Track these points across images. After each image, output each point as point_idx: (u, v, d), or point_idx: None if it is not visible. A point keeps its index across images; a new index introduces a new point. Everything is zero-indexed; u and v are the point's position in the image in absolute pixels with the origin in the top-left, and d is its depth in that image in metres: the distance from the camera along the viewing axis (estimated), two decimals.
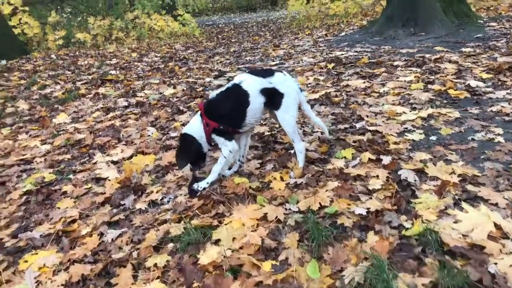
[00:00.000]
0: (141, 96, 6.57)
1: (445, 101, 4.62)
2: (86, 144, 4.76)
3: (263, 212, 2.84)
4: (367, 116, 4.39)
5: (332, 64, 6.73)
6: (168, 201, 3.29)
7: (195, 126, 3.31)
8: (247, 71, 3.78)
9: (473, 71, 5.47)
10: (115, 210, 3.25)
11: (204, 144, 3.32)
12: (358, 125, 4.17)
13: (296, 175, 3.32)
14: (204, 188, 3.29)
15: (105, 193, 3.52)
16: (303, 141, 3.46)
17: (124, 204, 3.31)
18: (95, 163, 4.21)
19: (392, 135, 3.87)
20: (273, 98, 3.27)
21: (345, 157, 3.54)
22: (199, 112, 3.34)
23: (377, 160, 3.38)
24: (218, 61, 9.66)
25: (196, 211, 2.99)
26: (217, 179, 3.37)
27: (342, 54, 7.75)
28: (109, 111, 5.98)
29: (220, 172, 3.38)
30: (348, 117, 4.45)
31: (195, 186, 3.32)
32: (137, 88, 7.23)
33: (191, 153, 3.31)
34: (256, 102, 3.24)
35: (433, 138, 3.75)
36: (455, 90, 4.85)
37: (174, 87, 6.88)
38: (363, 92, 5.23)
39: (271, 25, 19.46)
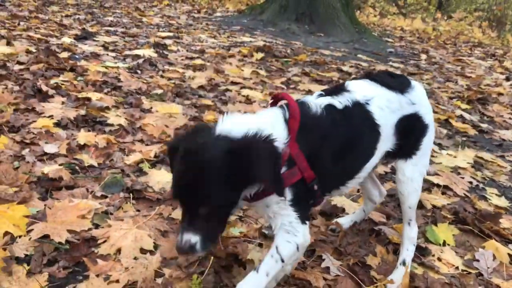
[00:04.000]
0: None
1: (463, 138, 3.48)
2: None
3: None
4: None
5: (261, 54, 4.94)
6: None
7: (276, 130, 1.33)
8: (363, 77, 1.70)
9: (441, 95, 4.58)
10: None
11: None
12: None
13: None
14: None
15: None
16: None
17: None
18: None
19: (466, 195, 2.48)
20: (408, 135, 1.54)
21: (445, 242, 1.95)
22: (280, 113, 1.38)
23: None
24: (63, 14, 6.59)
25: None
26: None
27: (251, 42, 6.02)
28: None
29: None
30: None
31: None
32: None
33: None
34: (386, 143, 1.57)
35: None
36: (455, 121, 3.80)
37: (8, 43, 3.91)
38: None
39: None
